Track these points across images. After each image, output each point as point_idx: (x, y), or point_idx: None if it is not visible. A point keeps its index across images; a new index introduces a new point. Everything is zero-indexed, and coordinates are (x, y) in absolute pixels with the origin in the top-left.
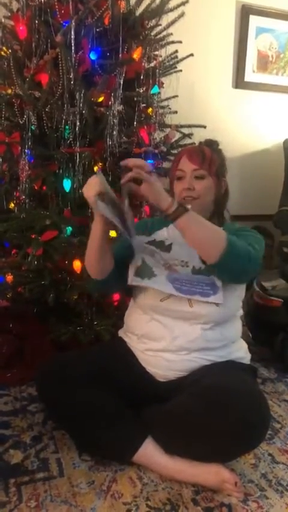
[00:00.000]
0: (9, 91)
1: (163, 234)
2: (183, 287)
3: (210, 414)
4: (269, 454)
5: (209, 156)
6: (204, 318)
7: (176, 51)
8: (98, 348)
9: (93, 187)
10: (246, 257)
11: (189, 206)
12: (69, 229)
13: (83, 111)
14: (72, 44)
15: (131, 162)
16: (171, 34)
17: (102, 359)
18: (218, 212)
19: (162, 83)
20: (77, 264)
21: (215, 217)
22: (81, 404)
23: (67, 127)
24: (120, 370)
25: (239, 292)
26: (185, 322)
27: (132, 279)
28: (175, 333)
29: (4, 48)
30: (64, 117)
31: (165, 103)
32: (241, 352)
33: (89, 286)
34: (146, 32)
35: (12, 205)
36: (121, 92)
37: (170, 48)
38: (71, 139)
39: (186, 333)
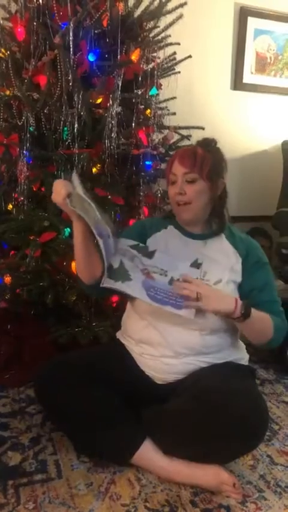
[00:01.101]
0: (8, 92)
1: (156, 238)
2: (158, 296)
3: (209, 416)
4: (268, 456)
5: (200, 158)
6: (202, 324)
7: (174, 53)
8: (97, 350)
9: (60, 191)
10: (282, 336)
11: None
12: (67, 230)
13: (82, 113)
14: (71, 46)
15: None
16: (170, 36)
17: (101, 361)
18: (218, 212)
19: (161, 85)
20: (75, 265)
21: (215, 218)
22: (80, 405)
23: (65, 128)
24: (119, 372)
25: None
26: (182, 327)
27: (105, 281)
28: (172, 339)
29: (2, 49)
30: (62, 118)
31: (163, 104)
32: (239, 353)
33: (85, 290)
34: (145, 34)
35: (10, 206)
36: (119, 93)
37: (169, 50)
38: (69, 140)
39: (184, 338)
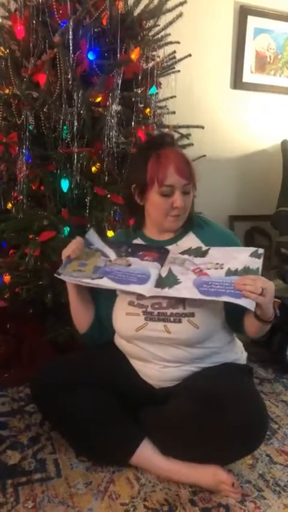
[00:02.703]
0: (7, 91)
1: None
2: (212, 289)
3: (208, 418)
4: (267, 455)
5: (191, 164)
6: (185, 341)
7: (174, 52)
8: (95, 352)
9: (65, 250)
10: None
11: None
12: (66, 229)
13: (81, 112)
14: (70, 44)
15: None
16: (169, 34)
17: (99, 363)
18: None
19: (160, 84)
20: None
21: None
22: (79, 407)
23: (65, 127)
24: (117, 374)
25: (219, 312)
26: (167, 345)
27: (149, 291)
28: (160, 355)
29: (2, 48)
30: (62, 117)
31: (163, 103)
32: (235, 353)
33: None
34: (144, 33)
35: (10, 205)
36: (119, 92)
37: (168, 49)
38: (68, 139)
39: (171, 354)
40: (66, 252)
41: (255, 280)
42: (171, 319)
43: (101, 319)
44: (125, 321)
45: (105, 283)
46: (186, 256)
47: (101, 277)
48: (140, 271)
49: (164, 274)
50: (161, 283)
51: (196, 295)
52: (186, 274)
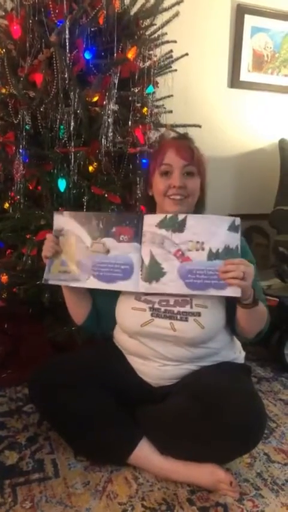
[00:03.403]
0: (4, 90)
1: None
2: (197, 280)
3: (206, 417)
4: (265, 453)
5: (197, 152)
6: (189, 340)
7: (171, 51)
8: (93, 351)
9: (43, 253)
10: (268, 325)
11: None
12: None
13: (78, 111)
14: (67, 44)
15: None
16: (166, 34)
17: (97, 362)
18: (198, 212)
19: (157, 83)
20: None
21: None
22: (77, 406)
23: (62, 127)
24: (115, 373)
25: (222, 311)
26: (170, 343)
27: (141, 285)
28: (162, 353)
29: None
30: (59, 116)
31: (160, 102)
32: (233, 352)
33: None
34: (141, 32)
35: (7, 205)
36: (116, 91)
37: (165, 48)
38: (65, 139)
39: (173, 353)
40: (44, 253)
41: (237, 265)
42: (178, 317)
43: (98, 310)
44: (131, 315)
45: (93, 284)
46: (163, 231)
47: (88, 278)
48: (122, 260)
49: (146, 260)
50: (147, 275)
51: (183, 289)
52: (169, 260)
